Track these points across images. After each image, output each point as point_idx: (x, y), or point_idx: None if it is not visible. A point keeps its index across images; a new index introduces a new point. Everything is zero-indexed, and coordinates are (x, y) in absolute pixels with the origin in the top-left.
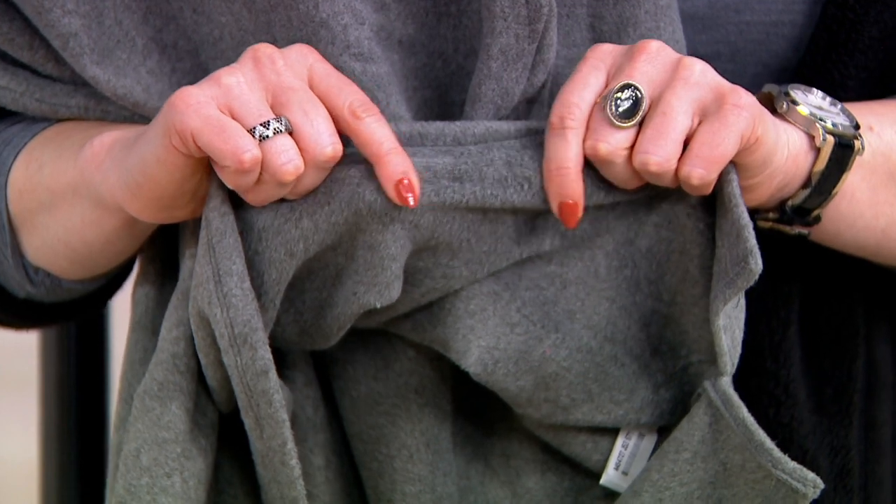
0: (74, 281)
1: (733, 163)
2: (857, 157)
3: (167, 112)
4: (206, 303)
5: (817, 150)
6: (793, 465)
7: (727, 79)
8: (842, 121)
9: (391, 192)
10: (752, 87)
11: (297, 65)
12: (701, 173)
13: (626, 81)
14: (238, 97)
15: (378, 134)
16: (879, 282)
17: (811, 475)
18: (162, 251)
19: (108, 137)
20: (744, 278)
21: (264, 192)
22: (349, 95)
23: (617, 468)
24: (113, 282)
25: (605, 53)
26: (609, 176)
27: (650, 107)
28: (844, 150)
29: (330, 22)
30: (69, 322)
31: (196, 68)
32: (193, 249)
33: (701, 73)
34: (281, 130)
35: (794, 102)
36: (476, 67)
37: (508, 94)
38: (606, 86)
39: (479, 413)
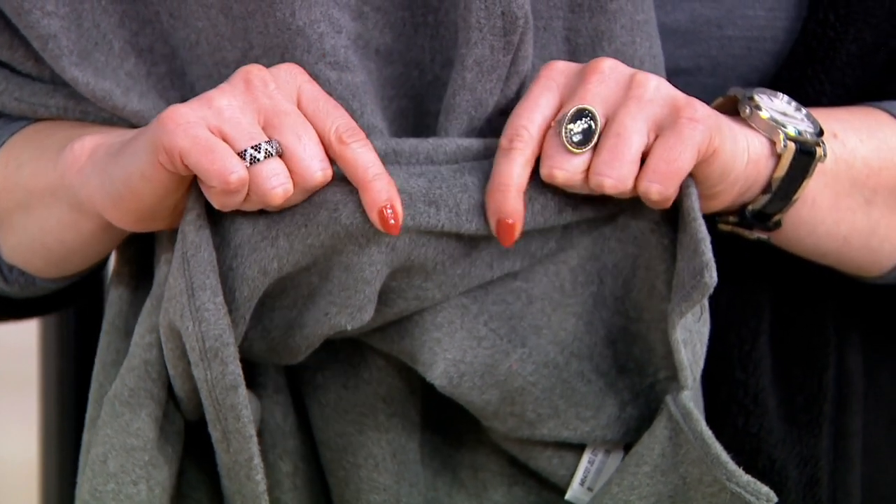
0: (48, 280)
1: (692, 176)
2: (819, 164)
3: (156, 129)
4: (178, 316)
5: (778, 156)
6: (747, 478)
7: (708, 93)
8: (805, 127)
9: (374, 219)
10: None
11: (287, 86)
12: (659, 189)
13: (579, 106)
14: (229, 119)
15: (363, 159)
16: (851, 291)
17: (764, 489)
18: (137, 253)
19: (90, 142)
20: (699, 291)
21: (246, 207)
22: (336, 119)
23: (582, 484)
24: (86, 279)
25: (557, 73)
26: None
27: (605, 126)
28: (806, 157)
29: (306, 30)
30: (39, 316)
31: (172, 73)
32: (169, 255)
33: (655, 90)
34: (272, 153)
35: (758, 107)
36: (451, 78)
37: (482, 105)
38: (560, 107)
39: (447, 425)
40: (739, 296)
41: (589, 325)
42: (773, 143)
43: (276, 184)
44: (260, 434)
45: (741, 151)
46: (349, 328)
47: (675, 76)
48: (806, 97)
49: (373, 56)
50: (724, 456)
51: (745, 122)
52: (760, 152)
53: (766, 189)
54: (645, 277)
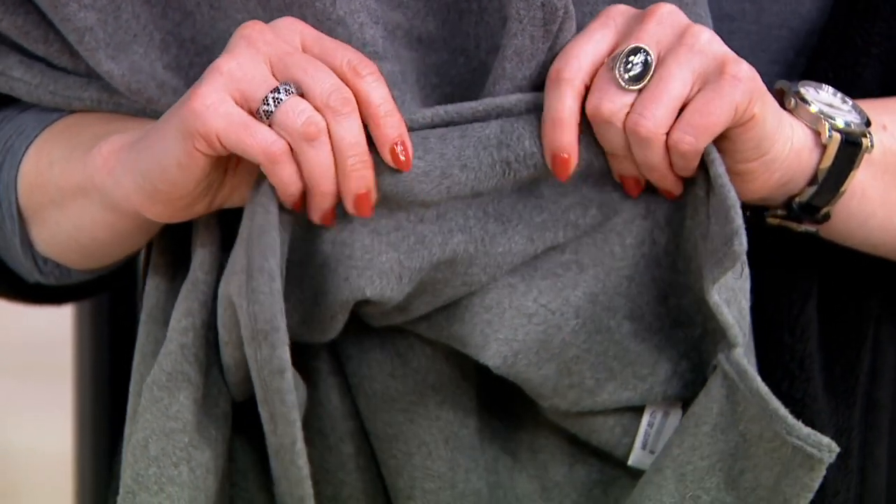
0: (84, 271)
1: (728, 139)
2: (866, 155)
3: (186, 116)
4: (235, 292)
5: (823, 147)
6: (807, 430)
7: (752, 40)
8: (853, 118)
9: (386, 156)
10: (776, 50)
11: (287, 34)
12: (690, 140)
13: (635, 45)
14: (242, 78)
15: (375, 94)
16: None
17: (826, 440)
18: (172, 243)
19: (117, 142)
20: (730, 259)
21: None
22: (346, 53)
23: (644, 447)
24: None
25: (617, 13)
26: (604, 141)
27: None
28: (852, 148)
29: (346, 20)
30: (76, 301)
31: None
32: (206, 239)
33: (707, 42)
34: (292, 92)
35: (804, 100)
36: (493, 68)
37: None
38: (616, 46)
39: (505, 408)
40: (791, 258)
41: (642, 285)
42: (817, 134)
43: (304, 118)
44: (318, 418)
45: (785, 136)
46: (369, 295)
47: (720, 21)
48: (855, 48)
49: (414, 44)
50: (783, 410)
51: (790, 113)
52: (804, 143)
53: (813, 181)
54: (691, 227)
